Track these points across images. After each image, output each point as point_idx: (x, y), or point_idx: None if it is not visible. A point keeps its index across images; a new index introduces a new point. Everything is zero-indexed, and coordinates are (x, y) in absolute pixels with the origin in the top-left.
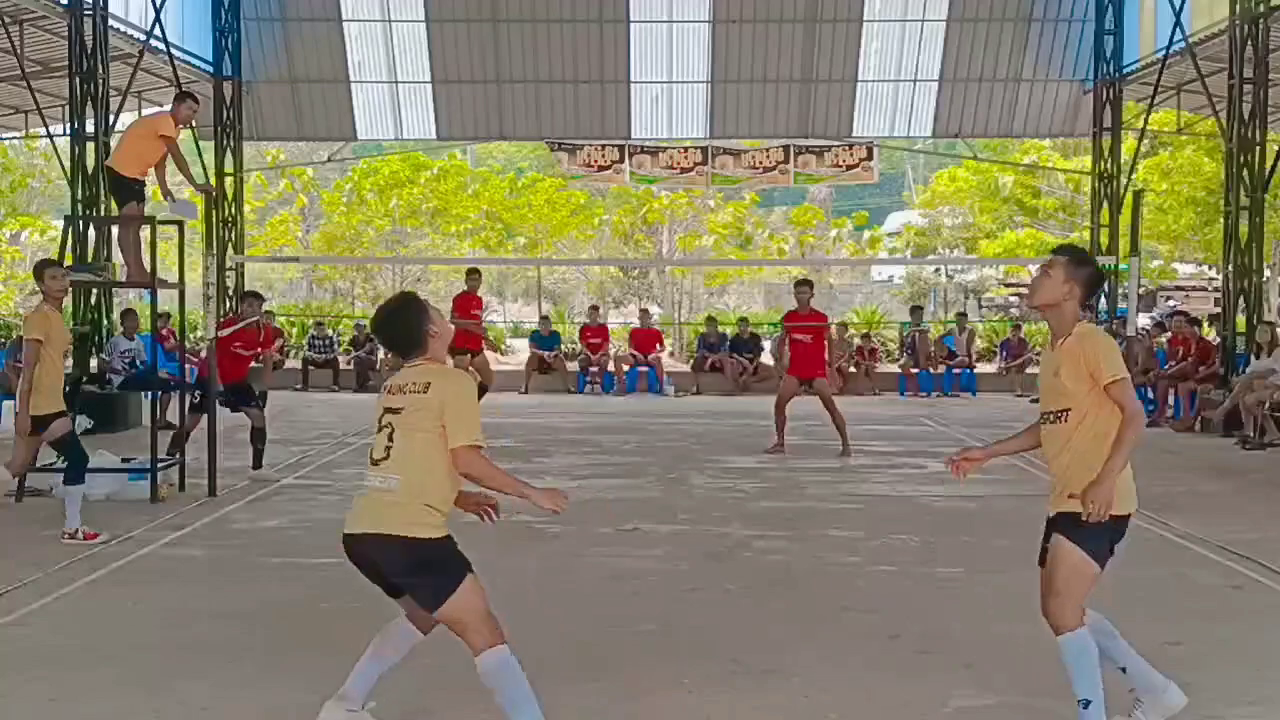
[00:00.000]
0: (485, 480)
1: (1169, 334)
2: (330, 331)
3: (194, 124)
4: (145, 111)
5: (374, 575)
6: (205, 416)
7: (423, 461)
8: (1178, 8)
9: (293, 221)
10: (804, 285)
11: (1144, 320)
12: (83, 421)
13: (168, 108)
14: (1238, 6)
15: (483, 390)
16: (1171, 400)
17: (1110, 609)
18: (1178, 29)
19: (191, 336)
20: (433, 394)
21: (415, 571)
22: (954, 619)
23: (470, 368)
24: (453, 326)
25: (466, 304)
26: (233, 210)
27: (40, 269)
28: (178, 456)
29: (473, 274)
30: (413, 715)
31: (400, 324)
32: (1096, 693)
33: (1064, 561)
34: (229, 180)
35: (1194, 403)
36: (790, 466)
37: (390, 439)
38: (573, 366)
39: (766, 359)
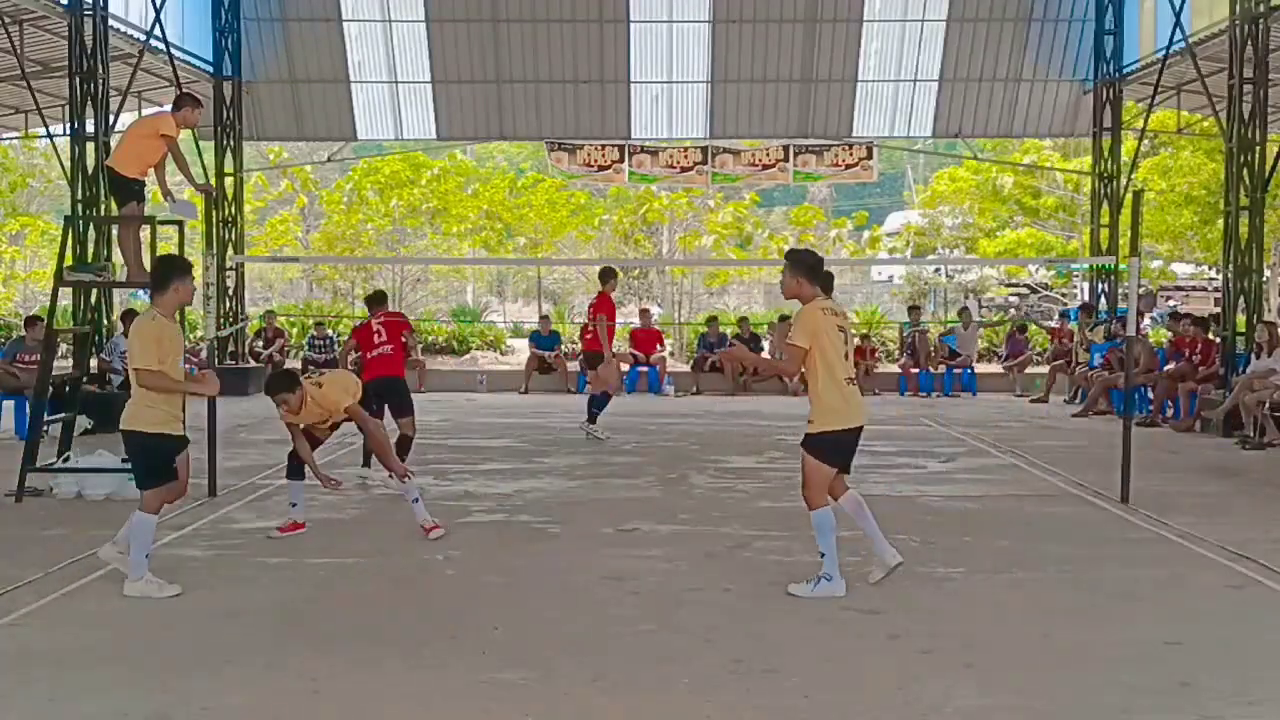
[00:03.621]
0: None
1: (1172, 334)
2: (330, 331)
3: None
4: (145, 111)
5: None
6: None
7: None
8: (1178, 8)
9: (293, 221)
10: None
11: (1146, 322)
12: (82, 422)
13: (168, 107)
14: (1238, 6)
15: (605, 398)
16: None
17: (1110, 608)
18: (1178, 29)
19: (191, 336)
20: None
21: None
22: (954, 619)
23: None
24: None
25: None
26: (233, 210)
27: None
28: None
29: (606, 274)
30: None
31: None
32: (828, 547)
33: (804, 465)
34: (229, 180)
35: (1194, 403)
36: (790, 467)
37: None
38: (573, 366)
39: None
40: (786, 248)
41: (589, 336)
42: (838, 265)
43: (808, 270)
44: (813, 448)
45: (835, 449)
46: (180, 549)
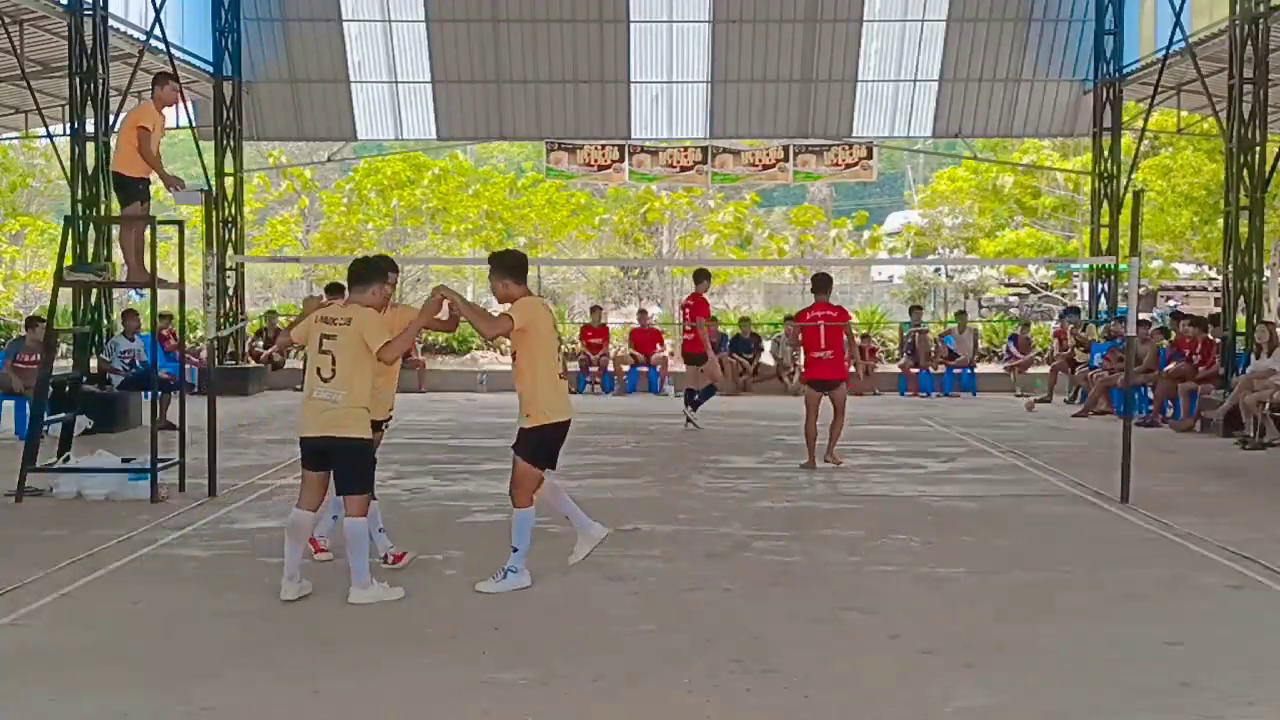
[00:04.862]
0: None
1: (1172, 335)
2: None
3: (193, 124)
4: None
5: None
6: None
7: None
8: (1178, 8)
9: (293, 222)
10: None
11: (1145, 316)
12: (83, 421)
13: (149, 98)
14: (1238, 6)
15: (711, 390)
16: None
17: (1110, 608)
18: (1178, 29)
19: (191, 336)
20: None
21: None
22: (954, 619)
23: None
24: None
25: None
26: (233, 210)
27: None
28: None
29: (700, 275)
30: None
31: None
32: (523, 544)
33: (516, 467)
34: (229, 180)
35: (1194, 403)
36: (790, 467)
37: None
38: (573, 366)
39: (767, 359)
40: (788, 247)
41: (689, 337)
42: (838, 265)
43: (510, 271)
44: (527, 446)
45: (546, 445)
46: (180, 549)
